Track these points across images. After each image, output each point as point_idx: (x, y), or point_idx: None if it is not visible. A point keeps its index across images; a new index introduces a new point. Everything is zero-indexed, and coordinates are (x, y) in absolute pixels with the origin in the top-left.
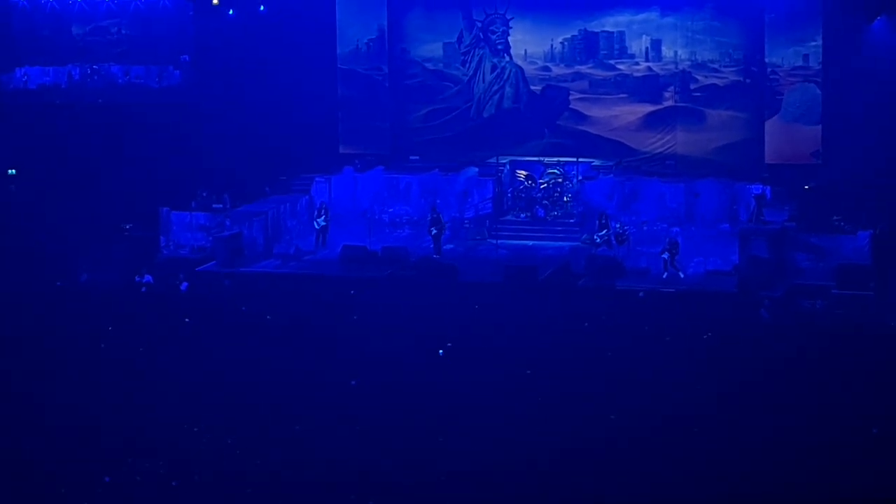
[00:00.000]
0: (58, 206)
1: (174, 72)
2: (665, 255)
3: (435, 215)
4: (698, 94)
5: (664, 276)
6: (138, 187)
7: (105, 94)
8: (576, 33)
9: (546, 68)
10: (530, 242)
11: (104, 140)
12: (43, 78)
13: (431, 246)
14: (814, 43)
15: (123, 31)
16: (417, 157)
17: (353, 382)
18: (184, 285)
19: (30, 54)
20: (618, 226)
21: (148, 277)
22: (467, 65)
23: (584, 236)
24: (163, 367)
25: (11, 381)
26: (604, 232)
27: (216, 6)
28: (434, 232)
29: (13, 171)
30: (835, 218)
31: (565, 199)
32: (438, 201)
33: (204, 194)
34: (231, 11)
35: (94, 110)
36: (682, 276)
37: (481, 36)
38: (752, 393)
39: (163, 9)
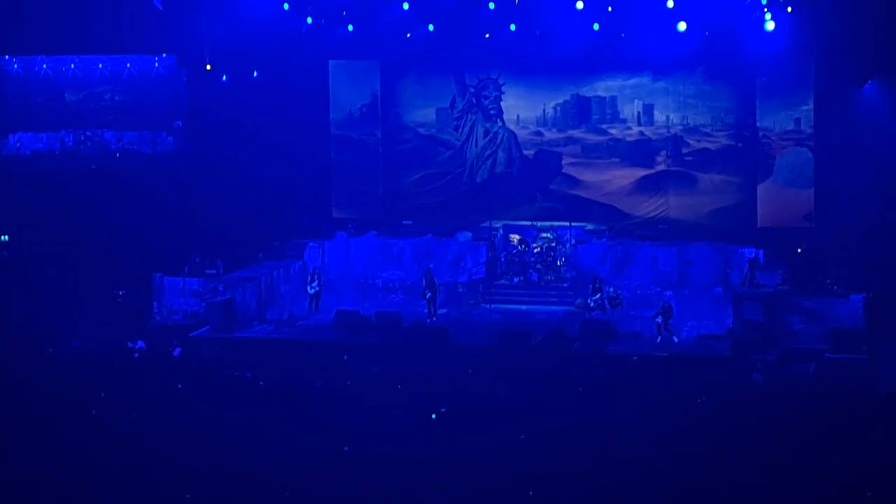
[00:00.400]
0: (51, 272)
1: (168, 138)
2: (659, 320)
3: (429, 278)
4: (690, 158)
5: (658, 341)
6: (131, 253)
7: (98, 161)
8: (568, 98)
9: (538, 133)
10: (524, 307)
11: (97, 206)
12: (36, 144)
13: (426, 311)
14: (805, 107)
15: (117, 98)
16: (411, 222)
17: (345, 448)
18: (177, 351)
19: (23, 120)
20: (611, 290)
21: (141, 343)
22: (460, 130)
23: (577, 300)
24: (156, 434)
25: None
26: (597, 296)
27: (210, 72)
28: (429, 295)
29: (6, 237)
30: (828, 281)
31: (558, 263)
32: (432, 266)
33: (197, 260)
34: (224, 77)
35: (87, 176)
36: (675, 340)
37: (474, 101)
38: (747, 457)
39: (156, 75)
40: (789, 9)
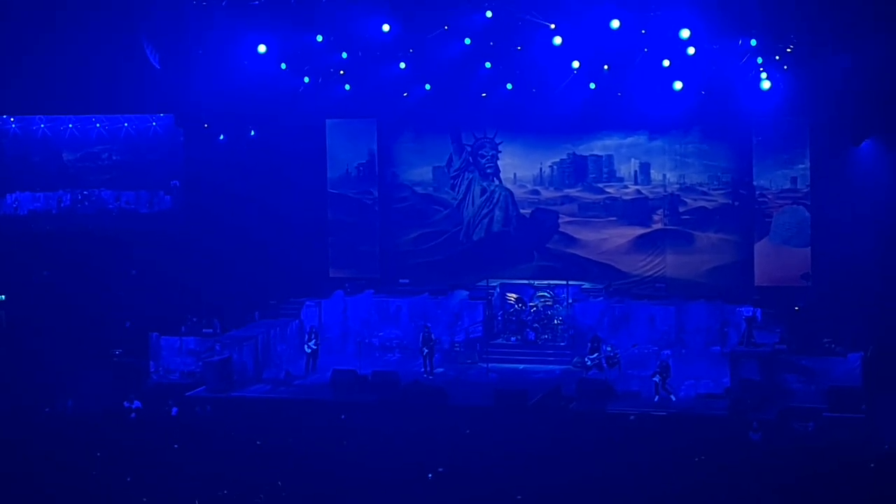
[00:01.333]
0: (47, 331)
1: (165, 197)
2: (656, 378)
3: (426, 334)
4: (687, 216)
5: (656, 400)
6: (128, 312)
7: (95, 220)
8: (564, 157)
9: (535, 192)
10: (521, 366)
11: (94, 265)
12: (33, 204)
13: (422, 370)
14: (802, 166)
15: (114, 157)
16: (407, 281)
17: None
18: (174, 410)
19: (21, 180)
20: (608, 349)
21: (137, 403)
22: (457, 188)
23: (575, 359)
24: (152, 493)
25: None
26: (595, 355)
27: (207, 131)
28: (426, 351)
29: (2, 296)
30: (825, 340)
31: (556, 322)
32: (429, 324)
33: (194, 319)
34: (222, 137)
35: (84, 235)
36: (673, 398)
37: (471, 160)
38: None
39: (153, 135)
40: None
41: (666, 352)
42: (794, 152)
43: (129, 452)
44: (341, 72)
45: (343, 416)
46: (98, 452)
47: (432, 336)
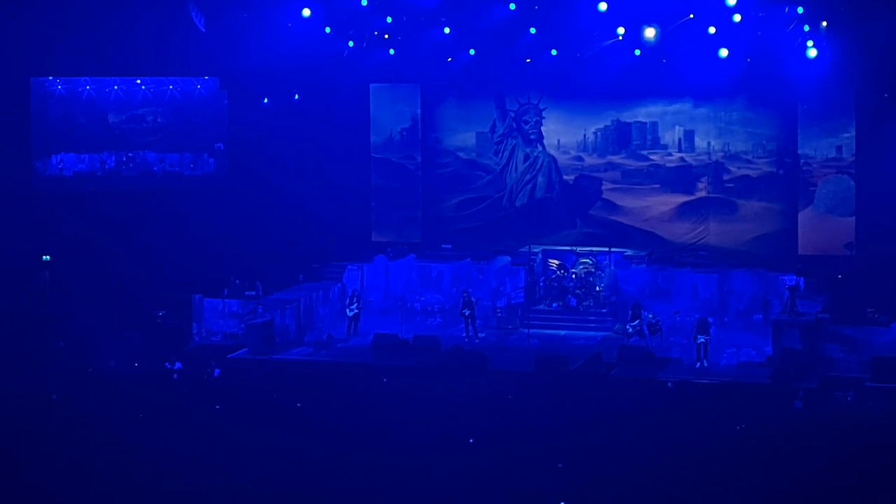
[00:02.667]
0: (91, 292)
1: (209, 160)
2: (700, 339)
3: (466, 298)
4: (731, 185)
5: (698, 366)
6: (171, 274)
7: (139, 182)
8: (609, 123)
9: (579, 158)
10: (562, 332)
11: (138, 227)
12: (78, 165)
13: (463, 335)
14: (847, 134)
15: (159, 120)
16: (450, 246)
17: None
18: (216, 372)
19: (66, 141)
20: (650, 316)
21: (178, 364)
22: (500, 154)
23: (616, 326)
24: (194, 455)
25: (43, 469)
26: (636, 322)
27: (251, 95)
28: (467, 313)
29: (47, 257)
30: (868, 310)
31: (597, 288)
32: (470, 289)
33: (237, 282)
34: (266, 100)
35: (128, 198)
36: (705, 364)
37: (514, 126)
38: (786, 484)
39: (198, 98)
40: (824, 23)
41: (709, 319)
42: (840, 121)
43: (171, 413)
44: (385, 36)
45: (385, 380)
46: (140, 413)
47: (472, 299)
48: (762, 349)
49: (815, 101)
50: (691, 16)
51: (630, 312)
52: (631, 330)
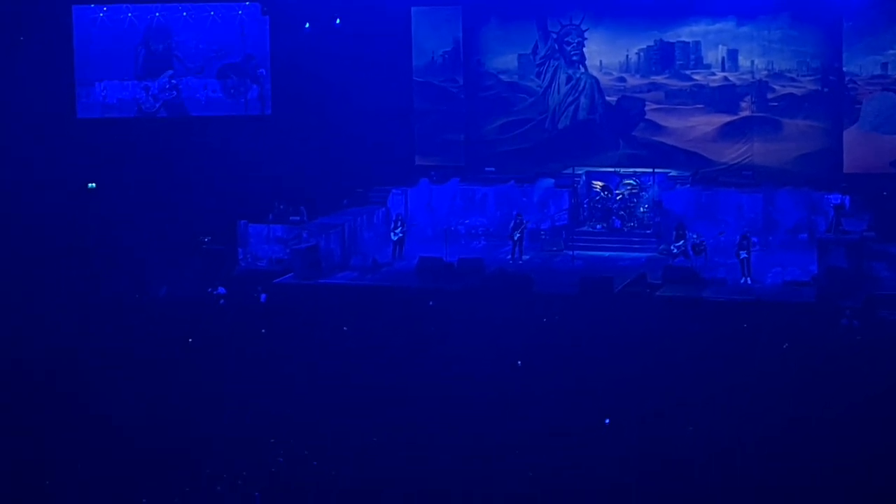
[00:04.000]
0: (136, 219)
1: (251, 85)
2: (743, 255)
3: (518, 220)
4: (775, 103)
5: (742, 282)
6: (216, 201)
7: (182, 109)
8: (651, 44)
9: (621, 79)
10: (606, 253)
11: (181, 154)
12: (122, 92)
13: (508, 257)
14: (892, 51)
15: (201, 46)
16: (493, 169)
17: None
18: (262, 297)
19: (109, 69)
20: (695, 236)
21: (221, 289)
22: (542, 76)
23: (660, 247)
24: (241, 379)
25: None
26: (681, 242)
27: (292, 20)
28: (517, 236)
29: (93, 184)
30: None
31: (641, 209)
32: (520, 212)
33: (281, 207)
34: (307, 25)
35: (171, 124)
36: (748, 281)
37: (556, 47)
38: (833, 403)
39: (239, 23)
40: None
41: (753, 239)
42: (885, 37)
43: (218, 338)
44: None
45: (431, 303)
46: (190, 338)
47: (524, 221)
48: (807, 268)
49: (859, 17)
50: None
51: (674, 233)
52: (675, 251)
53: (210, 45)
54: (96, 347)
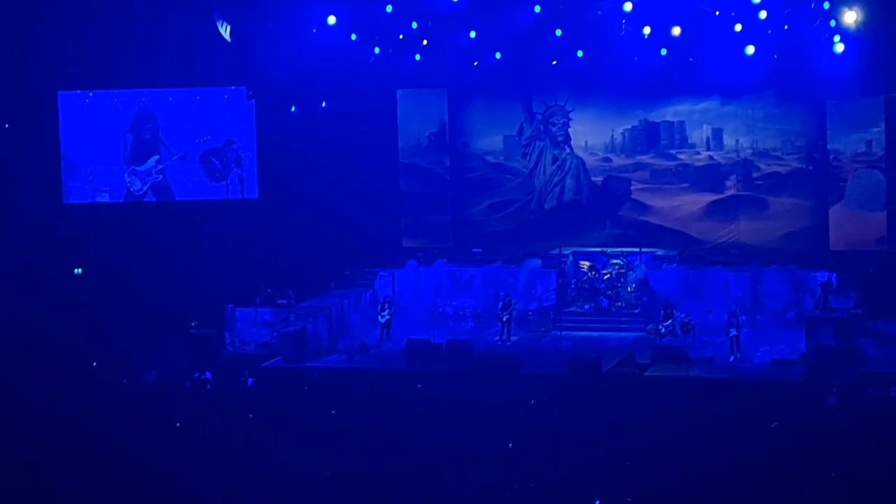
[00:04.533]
0: (124, 304)
1: (233, 169)
2: (732, 332)
3: (507, 301)
4: (761, 182)
5: (731, 359)
6: (203, 284)
7: (169, 192)
8: (636, 123)
9: (607, 159)
10: (595, 334)
11: (168, 238)
12: (109, 177)
13: (496, 338)
14: (876, 129)
15: (186, 131)
16: (480, 250)
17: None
18: (250, 381)
19: (95, 154)
20: (682, 315)
21: (208, 374)
22: (528, 157)
23: (649, 326)
24: (229, 464)
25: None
26: (668, 322)
27: (278, 103)
28: (505, 317)
29: (79, 270)
30: None
31: (629, 289)
32: (509, 292)
33: (268, 290)
34: (293, 108)
35: (158, 209)
36: (738, 356)
37: (542, 128)
38: (821, 482)
39: (225, 107)
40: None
41: (742, 318)
42: (869, 115)
43: (205, 423)
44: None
45: (419, 385)
46: (178, 423)
47: (512, 301)
48: (796, 346)
49: (843, 95)
50: (717, 13)
51: (662, 312)
52: (663, 330)
53: (194, 131)
54: (84, 433)
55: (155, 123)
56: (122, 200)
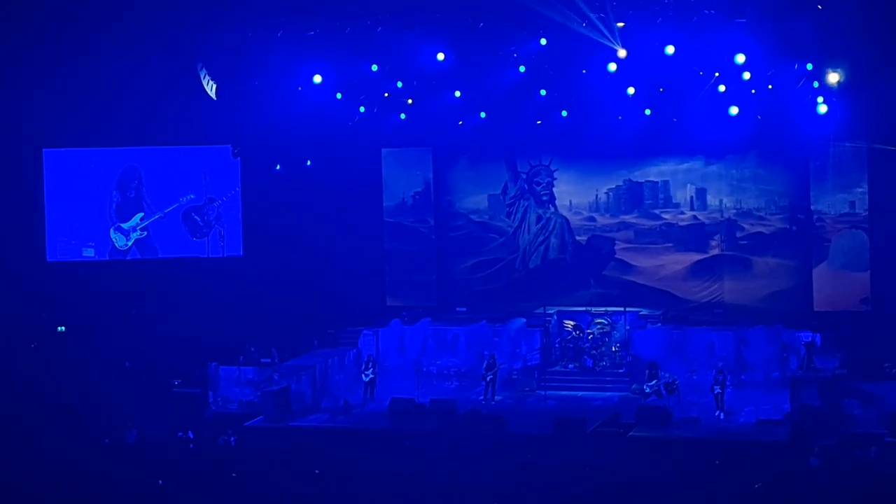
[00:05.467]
0: (106, 362)
1: (214, 226)
2: (717, 389)
3: (492, 361)
4: (745, 242)
5: (717, 415)
6: (186, 343)
7: (152, 251)
8: (620, 183)
9: (591, 218)
10: (579, 393)
11: (152, 296)
12: (91, 236)
13: (481, 398)
14: (860, 189)
15: (169, 189)
16: (464, 309)
17: None
18: (232, 440)
19: (78, 213)
20: (667, 375)
21: (191, 433)
22: (512, 216)
23: (633, 386)
24: None
25: None
26: (653, 382)
27: (263, 161)
28: (489, 377)
29: (62, 328)
30: (886, 365)
31: (613, 348)
32: (493, 352)
33: (252, 349)
34: (278, 167)
35: (141, 266)
36: (722, 415)
37: (526, 187)
38: None
39: (205, 167)
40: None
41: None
42: (852, 176)
43: (188, 482)
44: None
45: (406, 443)
46: (159, 481)
47: (497, 361)
48: (780, 406)
49: (826, 156)
50: (700, 73)
51: (647, 372)
52: (648, 390)
53: (178, 189)
54: (66, 491)
55: (140, 182)
56: (106, 258)
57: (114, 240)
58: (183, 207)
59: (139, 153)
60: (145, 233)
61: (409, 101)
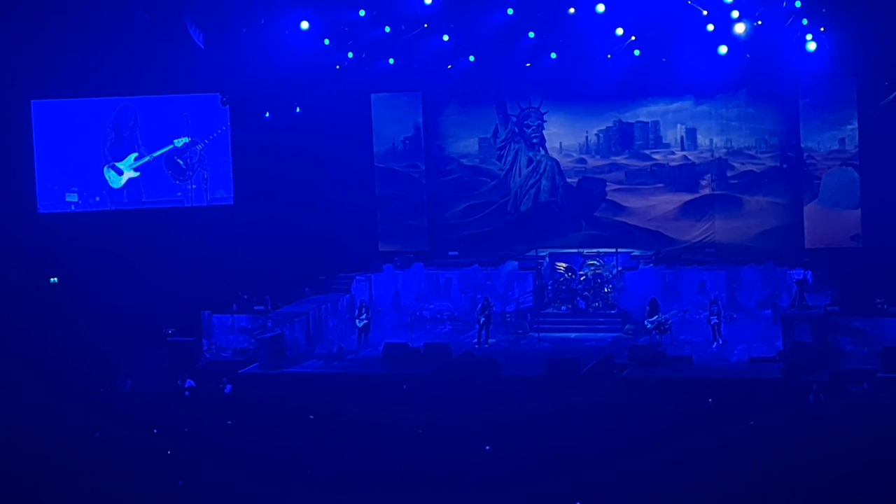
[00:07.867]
0: (100, 312)
1: (199, 171)
2: (714, 320)
3: (486, 305)
4: (735, 181)
5: (714, 347)
6: (179, 291)
7: (143, 200)
8: (610, 124)
9: (582, 160)
10: (572, 335)
11: (144, 245)
12: (82, 186)
13: (474, 341)
14: (850, 126)
15: (158, 134)
16: (456, 253)
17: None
18: (227, 388)
19: (69, 163)
20: (660, 315)
21: (190, 382)
22: (503, 159)
23: (626, 326)
24: (208, 471)
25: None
26: (654, 318)
27: (252, 109)
28: (482, 320)
29: (55, 279)
30: (877, 301)
31: (606, 290)
32: (487, 296)
33: (245, 296)
34: (267, 114)
35: (132, 216)
36: (720, 342)
37: (516, 130)
38: (800, 479)
39: (199, 114)
40: (822, 29)
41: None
42: (842, 113)
43: (184, 430)
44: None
45: (405, 386)
46: (154, 429)
47: (490, 304)
48: (773, 344)
49: (816, 94)
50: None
51: (647, 308)
52: (650, 325)
53: (167, 135)
54: (62, 442)
55: (136, 121)
56: (96, 208)
57: (108, 178)
58: (171, 154)
59: (127, 103)
60: (139, 173)
61: (390, 59)
